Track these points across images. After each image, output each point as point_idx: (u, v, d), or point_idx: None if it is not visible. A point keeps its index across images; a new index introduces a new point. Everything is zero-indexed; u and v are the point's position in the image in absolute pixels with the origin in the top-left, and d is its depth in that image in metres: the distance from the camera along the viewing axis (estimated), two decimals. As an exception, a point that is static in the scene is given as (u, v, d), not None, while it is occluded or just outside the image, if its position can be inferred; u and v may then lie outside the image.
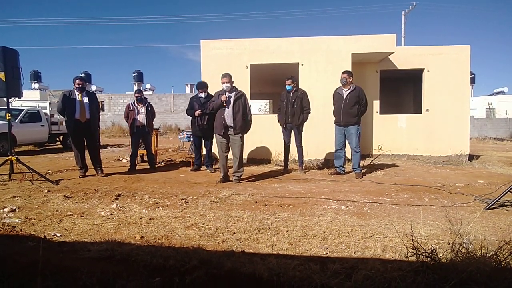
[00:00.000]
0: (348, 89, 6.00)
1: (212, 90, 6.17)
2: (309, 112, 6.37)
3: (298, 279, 2.01)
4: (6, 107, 5.73)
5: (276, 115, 6.74)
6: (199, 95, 6.70)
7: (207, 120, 6.53)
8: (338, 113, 6.10)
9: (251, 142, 7.83)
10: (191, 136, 7.40)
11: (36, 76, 34.00)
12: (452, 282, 1.83)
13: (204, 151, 6.93)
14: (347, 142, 6.16)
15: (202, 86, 6.70)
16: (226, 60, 7.93)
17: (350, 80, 6.01)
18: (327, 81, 7.61)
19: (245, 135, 5.63)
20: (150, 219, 3.40)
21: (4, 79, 5.15)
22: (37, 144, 12.22)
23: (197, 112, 6.52)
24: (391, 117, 8.93)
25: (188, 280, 2.04)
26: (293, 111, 6.30)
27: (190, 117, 6.82)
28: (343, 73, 6.06)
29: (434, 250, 2.14)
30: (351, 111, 5.94)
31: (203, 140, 6.81)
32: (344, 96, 6.00)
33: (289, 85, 6.33)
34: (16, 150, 7.64)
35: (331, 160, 6.73)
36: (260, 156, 7.89)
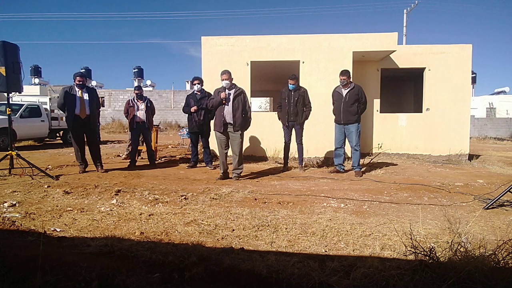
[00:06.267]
0: (348, 88, 6.01)
1: (212, 87, 6.16)
2: (311, 109, 6.39)
3: (296, 276, 2.02)
4: (6, 102, 5.72)
5: (276, 112, 6.73)
6: (194, 92, 6.74)
7: (203, 116, 6.56)
8: (338, 111, 6.11)
9: (251, 139, 7.85)
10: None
11: (37, 71, 33.97)
12: (450, 281, 1.84)
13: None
14: (347, 141, 6.17)
15: (197, 77, 6.78)
16: (227, 56, 7.92)
17: (349, 80, 6.02)
18: (328, 79, 7.60)
19: (245, 132, 5.63)
20: (149, 215, 3.41)
21: (4, 74, 5.14)
22: (37, 139, 12.23)
23: (193, 108, 6.56)
24: (391, 116, 8.92)
25: (187, 276, 2.05)
26: (296, 110, 6.30)
27: (187, 114, 6.84)
28: (341, 74, 6.03)
29: (432, 249, 2.15)
30: (351, 109, 5.95)
31: (200, 137, 6.83)
32: (344, 95, 6.01)
33: (293, 84, 6.32)
34: (16, 145, 7.65)
35: (331, 158, 6.73)
36: (260, 154, 7.90)
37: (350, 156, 6.64)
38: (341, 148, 6.21)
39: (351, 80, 6.08)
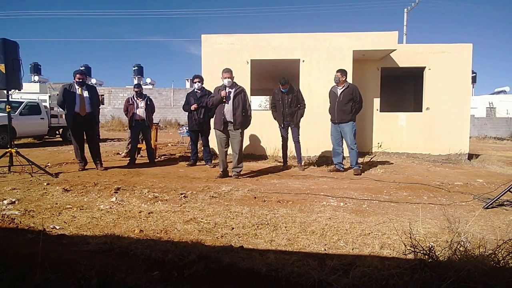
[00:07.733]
0: (342, 87, 6.04)
1: (212, 85, 6.16)
2: (305, 106, 6.38)
3: (296, 275, 2.02)
4: (6, 99, 5.71)
5: (271, 112, 6.70)
6: (194, 90, 6.73)
7: (203, 114, 6.56)
8: (332, 111, 6.15)
9: (251, 138, 7.84)
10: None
11: (36, 69, 33.95)
12: (449, 280, 1.84)
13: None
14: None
15: (197, 76, 6.78)
16: (227, 55, 7.91)
17: (343, 79, 6.04)
18: (328, 78, 7.56)
19: (245, 131, 5.63)
20: (149, 213, 3.41)
21: (4, 71, 5.13)
22: (36, 136, 12.22)
23: (193, 106, 6.56)
24: (391, 115, 8.92)
25: (187, 274, 2.05)
26: (291, 111, 6.30)
27: (187, 113, 6.83)
28: (336, 71, 6.08)
29: (432, 248, 2.15)
30: (344, 109, 5.97)
31: (200, 135, 6.83)
32: (338, 94, 6.04)
33: (285, 89, 6.30)
34: (15, 142, 7.63)
35: (330, 157, 6.73)
36: (260, 152, 7.89)
37: (348, 155, 6.63)
38: (339, 147, 6.22)
39: (345, 79, 6.09)
